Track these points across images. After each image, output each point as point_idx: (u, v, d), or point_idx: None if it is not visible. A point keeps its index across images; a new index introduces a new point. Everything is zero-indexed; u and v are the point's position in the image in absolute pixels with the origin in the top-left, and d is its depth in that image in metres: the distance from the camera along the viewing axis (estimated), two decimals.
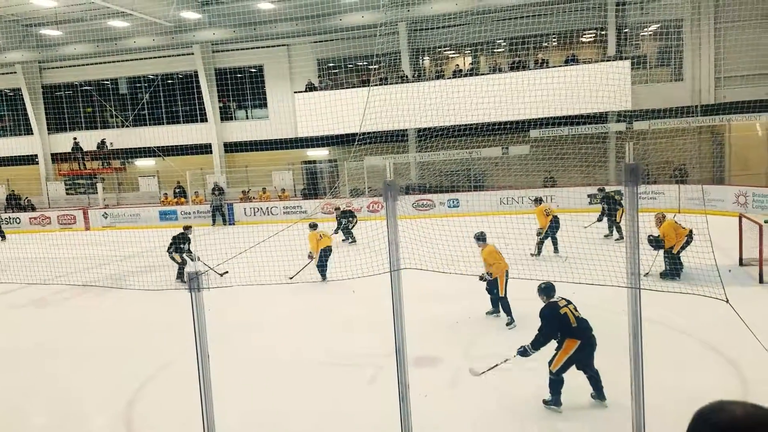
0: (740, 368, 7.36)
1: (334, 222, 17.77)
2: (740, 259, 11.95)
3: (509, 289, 9.70)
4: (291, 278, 12.20)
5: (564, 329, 6.49)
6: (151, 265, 14.87)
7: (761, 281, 10.80)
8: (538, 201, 14.76)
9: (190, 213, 24.32)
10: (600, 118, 20.92)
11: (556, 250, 13.94)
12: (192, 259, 13.84)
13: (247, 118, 27.76)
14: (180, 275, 13.62)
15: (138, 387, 8.07)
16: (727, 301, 5.87)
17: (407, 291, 5.24)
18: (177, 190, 26.38)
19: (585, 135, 20.52)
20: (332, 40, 24.02)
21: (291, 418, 7.03)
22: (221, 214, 24.07)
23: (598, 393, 6.68)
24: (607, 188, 16.28)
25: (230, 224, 23.83)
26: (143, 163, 28.05)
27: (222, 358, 7.19)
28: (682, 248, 11.26)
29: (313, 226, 13.80)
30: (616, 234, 14.75)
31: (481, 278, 9.79)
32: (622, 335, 5.02)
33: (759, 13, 19.04)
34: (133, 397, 7.80)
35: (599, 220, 14.80)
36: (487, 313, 10.12)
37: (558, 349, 6.59)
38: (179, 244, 13.80)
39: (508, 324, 9.58)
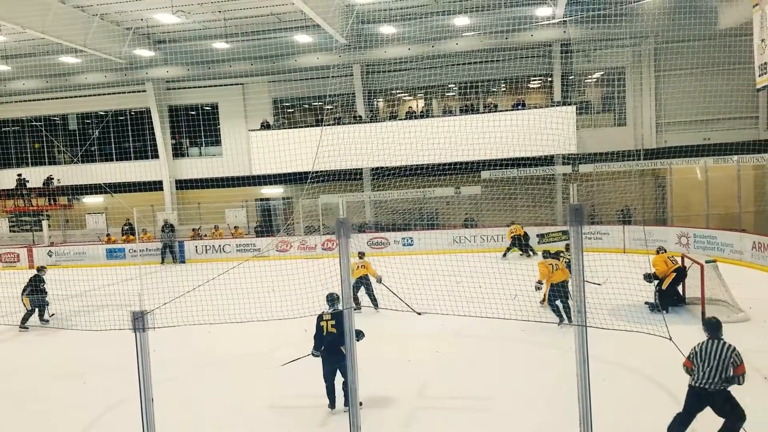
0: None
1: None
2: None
3: None
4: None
5: (319, 339, 7.71)
6: (96, 304, 14.39)
7: (667, 311, 11.22)
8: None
9: (137, 251, 23.76)
10: (547, 160, 21.59)
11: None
12: (44, 303, 13.27)
13: (201, 155, 27.55)
14: (25, 320, 13.06)
15: None
16: (671, 339, 6.06)
17: (360, 329, 5.23)
18: (125, 228, 25.79)
19: (533, 177, 21.09)
20: (288, 80, 24.23)
21: None
22: (171, 252, 23.61)
23: (345, 400, 7.30)
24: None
25: (181, 262, 23.36)
26: (91, 200, 27.36)
27: (168, 401, 6.97)
28: (672, 283, 11.69)
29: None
30: None
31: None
32: (569, 372, 5.10)
33: (695, 62, 20.14)
34: None
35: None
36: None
37: None
38: (37, 285, 13.23)
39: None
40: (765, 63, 16.75)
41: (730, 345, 6.07)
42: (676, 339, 6.12)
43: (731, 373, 5.98)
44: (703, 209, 19.25)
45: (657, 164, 21.20)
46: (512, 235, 19.51)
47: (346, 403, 7.32)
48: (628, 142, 22.57)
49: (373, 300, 12.89)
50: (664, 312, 11.30)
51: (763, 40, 16.65)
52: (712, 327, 6.28)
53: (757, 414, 6.34)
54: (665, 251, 12.40)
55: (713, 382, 5.97)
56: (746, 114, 21.42)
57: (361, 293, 13.02)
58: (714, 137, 21.08)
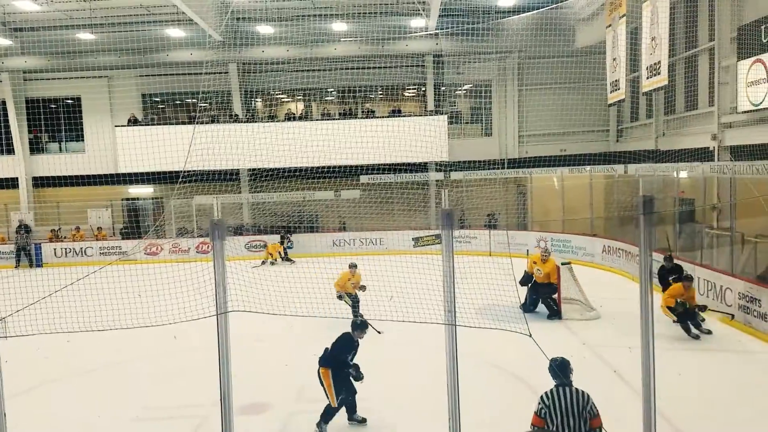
0: None
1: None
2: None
3: None
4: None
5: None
6: None
7: (560, 317, 12.05)
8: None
9: None
10: (421, 167, 22.34)
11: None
12: None
13: (61, 151, 25.63)
14: None
15: None
16: (530, 336, 6.52)
17: (234, 335, 5.16)
18: None
19: (409, 182, 21.73)
20: (158, 75, 23.18)
21: None
22: (27, 255, 21.82)
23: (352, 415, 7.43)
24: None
25: (37, 266, 21.66)
26: None
27: (23, 416, 6.48)
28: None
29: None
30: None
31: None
32: (440, 370, 5.35)
33: (554, 78, 21.69)
34: None
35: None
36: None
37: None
38: None
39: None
40: (616, 80, 18.42)
41: (584, 392, 4.97)
42: (536, 336, 6.59)
43: (588, 428, 4.80)
44: (559, 215, 20.69)
45: (519, 173, 22.55)
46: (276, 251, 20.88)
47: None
48: (494, 152, 23.84)
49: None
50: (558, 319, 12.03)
51: (614, 59, 18.31)
52: (562, 369, 5.07)
53: (610, 410, 6.92)
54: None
55: None
56: (598, 128, 23.39)
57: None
58: (570, 149, 22.77)
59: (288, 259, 20.77)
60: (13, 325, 9.90)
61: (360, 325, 7.46)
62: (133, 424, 7.79)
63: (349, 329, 7.43)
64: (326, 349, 7.32)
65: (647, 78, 16.15)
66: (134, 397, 8.63)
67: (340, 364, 7.14)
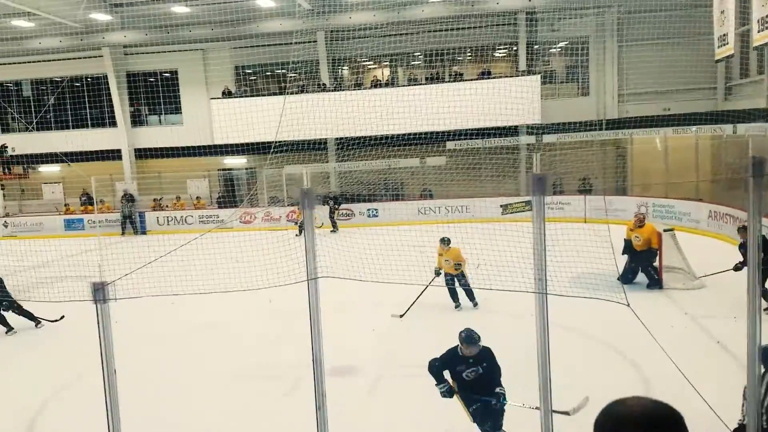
0: (641, 368, 7.78)
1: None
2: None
3: None
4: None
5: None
6: (56, 276, 14.08)
7: (661, 287, 11.45)
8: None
9: (96, 222, 23.29)
10: (512, 130, 21.69)
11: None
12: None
13: (160, 123, 26.92)
14: None
15: (40, 405, 7.61)
16: (629, 305, 6.20)
17: (325, 300, 5.22)
18: (83, 198, 25.18)
19: (498, 147, 21.18)
20: (250, 46, 23.70)
21: None
22: (131, 223, 23.19)
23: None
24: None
25: (141, 233, 23.00)
26: (47, 169, 26.58)
27: (130, 374, 6.89)
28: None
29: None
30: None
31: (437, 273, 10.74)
32: (531, 339, 5.20)
33: (657, 33, 20.36)
34: (34, 415, 7.35)
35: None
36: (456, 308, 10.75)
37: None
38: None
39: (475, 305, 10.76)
40: (724, 35, 17.03)
41: None
42: (635, 305, 6.26)
43: None
44: (661, 179, 19.64)
45: (618, 134, 21.49)
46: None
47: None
48: (591, 113, 22.74)
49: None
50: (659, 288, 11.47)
51: (722, 12, 16.90)
52: None
53: (711, 381, 6.54)
54: None
55: None
56: (705, 85, 21.79)
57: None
58: (673, 108, 21.41)
59: (335, 226, 20.79)
60: (122, 288, 10.58)
61: (465, 339, 5.89)
62: (231, 380, 8.15)
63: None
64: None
65: (759, 31, 14.80)
66: (233, 356, 9.03)
67: (447, 376, 6.03)
